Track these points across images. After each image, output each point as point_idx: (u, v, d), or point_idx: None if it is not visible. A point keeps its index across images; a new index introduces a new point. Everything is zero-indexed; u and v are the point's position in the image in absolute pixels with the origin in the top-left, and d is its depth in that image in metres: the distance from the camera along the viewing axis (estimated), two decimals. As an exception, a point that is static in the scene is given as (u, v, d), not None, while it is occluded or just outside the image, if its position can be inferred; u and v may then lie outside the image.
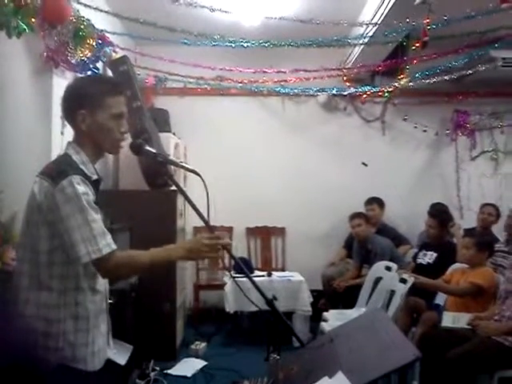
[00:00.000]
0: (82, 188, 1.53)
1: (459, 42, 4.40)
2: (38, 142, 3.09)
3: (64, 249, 1.54)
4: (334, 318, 3.86)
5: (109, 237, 1.56)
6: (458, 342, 2.81)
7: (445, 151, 5.83)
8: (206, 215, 1.69)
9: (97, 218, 1.55)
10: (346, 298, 4.45)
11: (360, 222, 4.64)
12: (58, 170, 1.57)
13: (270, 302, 1.70)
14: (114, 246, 1.55)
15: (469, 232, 4.37)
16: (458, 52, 4.57)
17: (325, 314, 4.06)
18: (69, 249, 1.53)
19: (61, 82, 3.23)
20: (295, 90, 5.43)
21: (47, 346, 1.55)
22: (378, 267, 4.17)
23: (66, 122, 1.75)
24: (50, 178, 1.55)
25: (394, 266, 4.02)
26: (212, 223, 1.73)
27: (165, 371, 3.72)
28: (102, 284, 1.70)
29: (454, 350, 2.73)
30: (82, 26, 3.28)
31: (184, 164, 1.73)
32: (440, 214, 4.39)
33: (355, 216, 4.72)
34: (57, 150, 2.93)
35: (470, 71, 4.69)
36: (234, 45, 4.36)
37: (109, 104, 1.66)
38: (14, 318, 1.61)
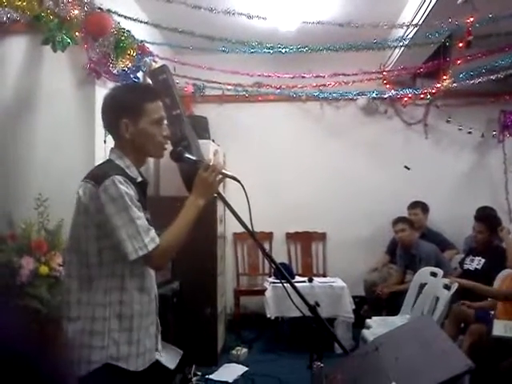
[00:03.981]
0: (124, 187, 1.56)
1: (505, 40, 4.25)
2: (81, 151, 3.18)
3: (112, 248, 1.58)
4: (376, 325, 3.78)
5: (152, 232, 1.60)
6: (511, 351, 2.69)
7: (492, 153, 5.62)
8: (247, 221, 1.69)
9: (141, 215, 1.59)
10: (389, 304, 4.35)
11: (404, 227, 4.53)
12: (101, 172, 1.62)
13: (313, 308, 1.68)
14: (157, 241, 1.59)
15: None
16: (504, 50, 4.40)
17: (368, 320, 3.98)
18: (116, 247, 1.56)
19: (103, 93, 3.28)
20: (334, 95, 5.37)
21: (92, 345, 1.58)
22: (423, 273, 4.06)
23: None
24: (93, 180, 1.60)
25: (439, 271, 3.89)
26: (252, 229, 1.72)
27: (206, 376, 3.75)
28: (151, 286, 1.72)
29: (507, 361, 2.61)
30: (123, 38, 3.37)
31: (223, 170, 1.73)
32: (488, 218, 4.24)
33: (399, 221, 4.61)
34: (100, 158, 2.98)
35: (517, 70, 4.51)
36: (271, 51, 4.36)
37: (149, 110, 1.68)
38: (61, 320, 1.65)
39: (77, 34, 2.97)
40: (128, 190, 1.58)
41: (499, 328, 2.97)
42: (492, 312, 3.38)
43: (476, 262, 3.95)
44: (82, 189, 1.62)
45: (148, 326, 1.71)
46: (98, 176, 1.60)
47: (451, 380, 1.31)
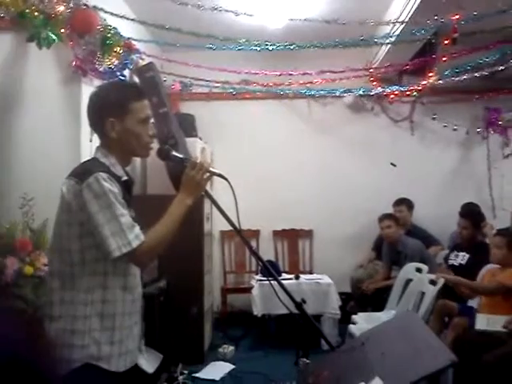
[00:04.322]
0: (107, 184, 1.56)
1: (490, 37, 4.29)
2: (67, 149, 3.16)
3: (95, 247, 1.57)
4: (363, 321, 3.81)
5: (137, 229, 1.59)
6: (494, 344, 2.73)
7: (476, 150, 5.70)
8: (234, 219, 1.69)
9: (124, 212, 1.58)
10: (375, 300, 4.39)
11: (390, 224, 4.57)
12: (84, 169, 1.62)
13: (299, 305, 1.69)
14: (142, 238, 1.58)
15: (501, 231, 4.25)
16: (488, 48, 4.45)
17: (354, 316, 4.02)
18: (100, 245, 1.55)
19: (89, 90, 3.25)
20: (321, 92, 5.39)
21: (73, 343, 1.56)
22: (409, 269, 4.10)
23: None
24: (76, 177, 1.59)
25: (424, 267, 3.94)
26: (239, 227, 1.73)
27: (193, 375, 3.74)
28: (134, 285, 1.71)
29: (490, 354, 2.66)
30: (109, 35, 3.34)
31: (211, 168, 1.73)
32: (472, 215, 4.29)
33: (385, 217, 4.65)
34: (86, 157, 2.95)
35: (502, 67, 4.56)
36: (258, 48, 4.36)
37: (135, 109, 1.68)
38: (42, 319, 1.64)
39: (62, 31, 2.94)
40: (112, 187, 1.56)
41: (482, 322, 3.02)
42: (474, 307, 3.44)
43: (460, 258, 4.01)
44: (65, 186, 1.61)
45: (131, 326, 1.69)
46: (82, 173, 1.59)
47: (435, 374, 1.34)
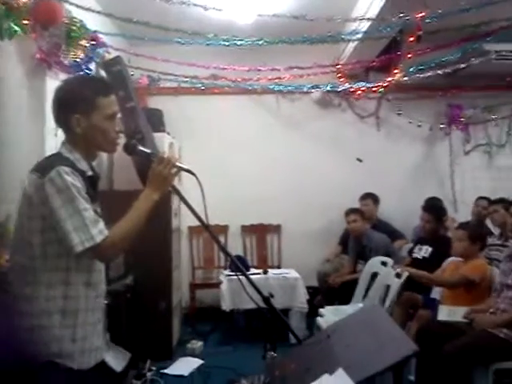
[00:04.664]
0: (70, 178, 1.53)
1: (453, 35, 4.41)
2: (31, 144, 3.09)
3: (57, 241, 1.55)
4: (330, 314, 3.87)
5: (101, 224, 1.57)
6: (454, 335, 2.83)
7: (439, 145, 5.85)
8: (202, 214, 1.70)
9: (87, 206, 1.55)
10: (341, 294, 4.46)
11: (355, 218, 4.64)
12: (47, 164, 1.59)
13: (266, 299, 1.71)
14: (106, 233, 1.56)
15: (462, 225, 4.39)
16: (451, 46, 4.57)
17: (321, 310, 4.08)
18: (62, 240, 1.53)
19: (54, 84, 3.18)
20: (289, 88, 5.43)
21: (35, 340, 1.54)
22: (374, 262, 4.19)
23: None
24: (38, 172, 1.56)
25: (389, 261, 4.03)
26: (207, 222, 1.74)
27: (161, 371, 3.73)
28: (98, 281, 1.69)
29: (450, 344, 2.75)
30: (75, 27, 3.28)
31: (178, 163, 1.73)
32: (435, 209, 4.41)
33: (351, 212, 4.72)
34: (51, 151, 2.91)
35: (464, 65, 4.70)
36: (227, 43, 4.35)
37: (102, 105, 1.66)
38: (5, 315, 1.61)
39: (25, 22, 2.87)
40: (74, 181, 1.54)
41: (444, 313, 3.12)
42: (437, 298, 3.55)
43: (424, 251, 4.12)
44: (27, 180, 1.59)
45: (95, 323, 1.67)
46: (44, 167, 1.57)
47: (398, 363, 1.38)
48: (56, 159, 1.61)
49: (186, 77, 5.15)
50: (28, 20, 2.89)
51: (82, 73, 3.47)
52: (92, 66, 3.72)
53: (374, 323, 1.58)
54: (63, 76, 3.35)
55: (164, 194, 1.70)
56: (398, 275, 3.59)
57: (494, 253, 4.01)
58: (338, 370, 1.18)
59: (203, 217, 1.72)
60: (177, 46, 4.35)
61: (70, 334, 1.58)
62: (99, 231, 1.55)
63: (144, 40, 4.22)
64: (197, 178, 1.69)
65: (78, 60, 3.37)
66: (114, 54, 4.10)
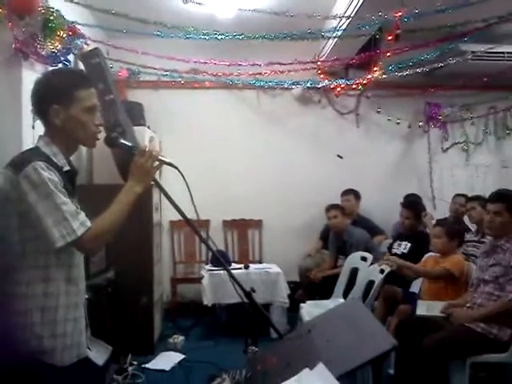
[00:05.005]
0: (46, 173, 1.51)
1: (430, 35, 4.47)
2: (8, 137, 3.01)
3: (35, 239, 1.53)
4: (311, 309, 3.90)
5: (82, 215, 1.55)
6: (433, 329, 2.87)
7: (418, 143, 5.93)
8: (184, 209, 1.69)
9: (66, 200, 1.53)
10: (322, 288, 4.49)
11: (336, 214, 4.68)
12: (22, 159, 1.56)
13: (248, 294, 1.71)
14: (88, 224, 1.54)
15: (441, 222, 4.46)
16: (429, 45, 4.64)
17: (302, 305, 4.10)
18: (42, 236, 1.50)
19: (31, 75, 3.14)
20: (270, 83, 5.42)
21: (16, 338, 1.52)
22: (354, 258, 4.23)
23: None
24: (13, 168, 1.53)
25: (369, 256, 4.07)
26: (189, 217, 1.73)
27: (143, 365, 3.71)
28: (78, 276, 1.68)
29: (429, 338, 2.79)
30: (52, 17, 3.21)
31: (161, 157, 1.71)
32: (414, 205, 4.46)
33: (331, 208, 4.75)
34: (28, 145, 2.85)
35: (441, 64, 4.77)
36: (207, 37, 4.32)
37: (81, 97, 1.64)
38: None
39: (0, 10, 2.80)
40: (51, 176, 1.52)
41: (422, 308, 3.16)
42: (416, 292, 3.60)
43: (403, 247, 4.17)
44: (1, 177, 1.55)
45: (76, 318, 1.66)
46: (19, 163, 1.54)
47: (378, 358, 1.40)
48: (31, 154, 1.58)
49: (166, 70, 5.11)
50: (3, 9, 2.82)
51: (59, 64, 3.40)
52: (70, 57, 3.65)
53: (355, 318, 1.59)
54: (40, 67, 3.28)
55: (146, 188, 1.68)
56: (382, 271, 3.63)
57: (471, 249, 4.09)
58: (318, 365, 1.19)
59: (186, 211, 1.71)
60: (156, 39, 4.30)
61: (51, 330, 1.57)
62: (80, 223, 1.53)
63: (123, 32, 4.17)
64: (179, 171, 1.68)
65: (55, 51, 3.29)
66: (92, 45, 4.04)
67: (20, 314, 1.53)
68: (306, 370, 1.18)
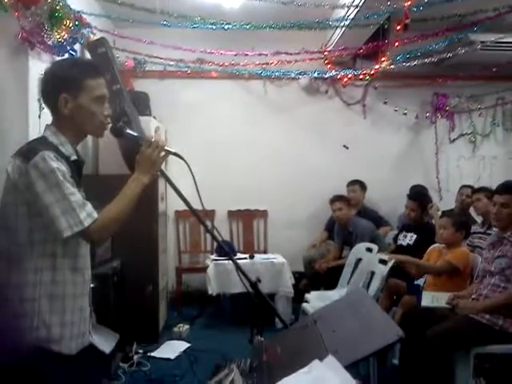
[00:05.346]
0: (55, 163, 1.51)
1: (439, 25, 4.42)
2: (14, 126, 3.02)
3: (43, 227, 1.53)
4: (315, 299, 3.91)
5: (89, 206, 1.55)
6: (438, 320, 2.87)
7: (425, 134, 5.89)
8: (189, 199, 1.69)
9: (74, 190, 1.53)
10: (327, 279, 4.50)
11: (341, 206, 4.66)
12: (30, 148, 1.56)
13: (254, 284, 1.71)
14: (95, 215, 1.55)
15: (447, 213, 4.44)
16: (438, 35, 4.59)
17: (306, 295, 4.11)
18: (49, 225, 1.51)
19: (37, 64, 3.15)
20: (277, 73, 5.39)
21: (22, 326, 1.53)
22: (359, 249, 4.22)
23: (43, 105, 1.71)
24: (21, 156, 1.53)
25: (374, 247, 4.06)
26: (194, 207, 1.73)
27: (148, 354, 3.74)
28: (84, 266, 1.68)
29: (433, 329, 2.79)
30: (58, 7, 3.20)
31: (166, 147, 1.71)
32: (420, 196, 4.45)
33: (336, 199, 4.72)
34: (34, 134, 2.85)
35: (450, 54, 4.72)
36: (214, 27, 4.30)
37: (91, 86, 1.63)
38: None
39: (6, 0, 2.79)
40: (59, 166, 1.52)
41: (427, 299, 3.16)
42: (421, 285, 3.59)
43: (408, 238, 4.16)
44: (10, 166, 1.56)
45: (82, 308, 1.67)
46: (27, 152, 1.54)
47: (384, 349, 1.40)
48: (39, 143, 1.58)
49: (172, 60, 5.09)
50: (10, -2, 2.81)
51: (66, 54, 3.40)
52: (76, 47, 3.65)
53: (361, 308, 1.59)
54: (46, 57, 3.28)
55: (152, 178, 1.68)
56: (383, 262, 3.62)
57: (477, 240, 4.06)
58: (328, 357, 1.19)
59: (192, 201, 1.71)
60: (163, 29, 4.29)
61: (59, 318, 1.58)
62: (87, 214, 1.53)
63: (129, 22, 4.15)
64: (185, 162, 1.67)
65: (61, 41, 3.29)
66: (98, 35, 4.03)
67: (28, 302, 1.54)
68: (316, 362, 1.18)
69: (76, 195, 1.53)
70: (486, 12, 4.13)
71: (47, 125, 1.67)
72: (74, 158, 1.64)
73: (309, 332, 1.54)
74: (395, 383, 3.03)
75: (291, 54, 5.09)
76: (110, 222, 1.58)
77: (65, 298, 1.59)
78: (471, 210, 4.80)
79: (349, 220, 4.67)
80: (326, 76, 5.41)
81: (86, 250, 1.70)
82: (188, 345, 3.99)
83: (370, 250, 4.09)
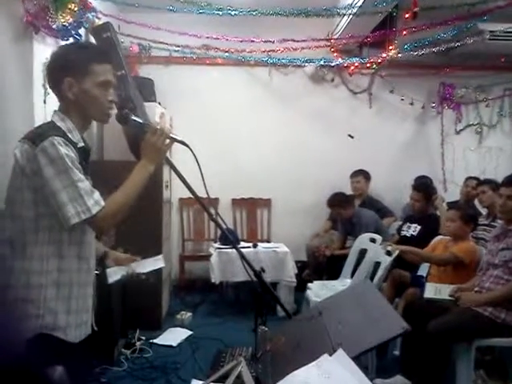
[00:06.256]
0: (64, 149, 1.50)
1: (448, 13, 4.36)
2: (19, 112, 2.99)
3: (50, 215, 1.52)
4: (318, 289, 3.92)
5: (96, 194, 1.55)
6: (440, 312, 2.87)
7: (431, 124, 5.85)
8: (194, 186, 1.68)
9: (82, 177, 1.53)
10: (330, 269, 4.50)
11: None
12: (39, 133, 1.55)
13: (258, 273, 1.71)
14: (102, 203, 1.54)
15: (452, 205, 4.42)
16: (446, 24, 4.53)
17: (309, 284, 4.11)
18: (56, 212, 1.50)
19: (42, 48, 3.12)
20: (283, 61, 5.36)
21: (28, 313, 1.53)
22: (363, 239, 4.21)
23: (48, 91, 1.70)
24: (30, 141, 1.52)
25: (378, 237, 4.05)
26: (198, 195, 1.72)
27: (150, 341, 3.75)
28: (89, 254, 1.68)
29: (435, 321, 2.79)
30: (63, -10, 3.16)
31: (171, 134, 1.70)
32: (424, 188, 4.42)
33: (335, 197, 4.71)
34: (40, 120, 2.85)
35: (458, 44, 4.66)
36: (220, 13, 4.26)
37: (96, 71, 1.62)
38: None
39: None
40: (68, 152, 1.51)
41: (430, 290, 3.15)
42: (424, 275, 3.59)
43: (412, 229, 4.15)
44: (18, 150, 1.54)
45: (87, 296, 1.67)
46: (36, 136, 1.53)
47: (388, 341, 1.39)
48: (48, 128, 1.57)
49: (178, 46, 5.05)
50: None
51: (70, 38, 3.37)
52: (81, 31, 3.62)
53: (366, 300, 1.58)
54: (51, 40, 3.26)
55: (158, 165, 1.67)
56: (388, 253, 3.60)
57: (481, 232, 4.05)
58: (338, 351, 1.18)
59: (196, 188, 1.70)
60: (169, 14, 4.25)
61: (65, 306, 1.58)
62: (95, 202, 1.52)
63: (135, 6, 4.11)
64: (190, 149, 1.66)
65: (66, 25, 3.26)
66: (103, 19, 3.99)
67: (35, 289, 1.54)
68: (325, 356, 1.17)
69: (84, 182, 1.52)
70: (496, 1, 4.07)
71: (55, 110, 1.66)
72: (81, 144, 1.63)
73: (314, 323, 1.53)
74: (394, 373, 3.04)
75: (297, 42, 5.04)
76: (116, 210, 1.58)
77: (71, 286, 1.59)
78: (475, 202, 4.78)
79: (353, 212, 4.64)
80: (333, 64, 5.37)
81: (91, 237, 1.69)
82: (190, 332, 4.00)
83: (373, 240, 4.08)
